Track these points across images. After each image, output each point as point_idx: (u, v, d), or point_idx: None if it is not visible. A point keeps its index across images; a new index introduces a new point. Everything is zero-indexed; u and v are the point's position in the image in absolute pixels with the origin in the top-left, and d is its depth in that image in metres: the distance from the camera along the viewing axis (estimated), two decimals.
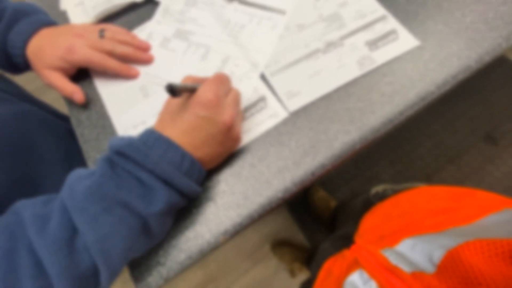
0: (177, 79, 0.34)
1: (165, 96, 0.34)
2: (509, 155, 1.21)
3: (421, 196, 0.34)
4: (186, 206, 0.29)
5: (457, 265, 0.18)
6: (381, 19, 0.35)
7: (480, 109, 1.28)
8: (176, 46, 0.37)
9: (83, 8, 0.40)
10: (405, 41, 0.34)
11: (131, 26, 0.39)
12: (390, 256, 0.24)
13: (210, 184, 0.29)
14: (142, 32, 0.38)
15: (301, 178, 0.29)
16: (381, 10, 0.36)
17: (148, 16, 0.39)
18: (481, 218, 0.24)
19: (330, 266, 0.33)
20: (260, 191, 0.28)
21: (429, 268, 0.20)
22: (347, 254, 0.31)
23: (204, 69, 0.35)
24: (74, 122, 0.34)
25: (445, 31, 0.34)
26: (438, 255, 0.19)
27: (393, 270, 0.22)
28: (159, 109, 0.33)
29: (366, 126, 0.30)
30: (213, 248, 0.28)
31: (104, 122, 0.34)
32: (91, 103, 0.35)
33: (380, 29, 0.35)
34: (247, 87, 0.33)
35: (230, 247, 1.19)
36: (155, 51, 0.37)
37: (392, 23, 0.35)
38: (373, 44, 0.34)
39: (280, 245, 1.17)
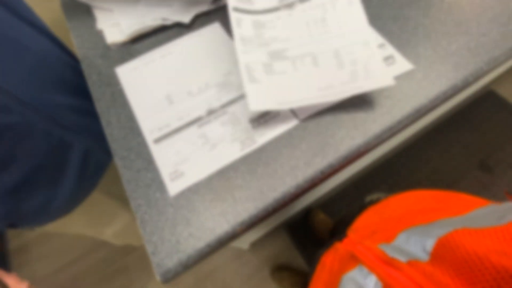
0: (312, 93, 0.33)
1: (188, 103, 0.38)
2: (505, 183, 1.24)
3: (410, 198, 0.37)
4: (204, 198, 0.31)
5: (448, 251, 0.19)
6: (380, 46, 0.41)
7: (473, 138, 1.34)
8: (281, 67, 0.35)
9: (119, 28, 0.45)
10: (401, 64, 0.39)
11: (159, 44, 0.44)
12: (386, 249, 0.25)
13: (228, 179, 0.32)
14: (240, 66, 0.35)
15: (311, 176, 0.31)
16: (380, 39, 0.41)
17: (175, 36, 0.45)
18: (468, 212, 0.26)
19: (324, 259, 0.35)
20: (274, 186, 0.31)
21: (424, 257, 0.21)
22: (339, 247, 0.33)
23: (324, 73, 0.34)
24: (104, 123, 0.37)
25: (434, 56, 0.39)
26: (430, 243, 0.21)
27: (390, 262, 0.23)
28: (184, 114, 0.37)
29: (369, 132, 0.34)
30: (231, 238, 0.30)
31: (132, 124, 0.37)
32: (120, 107, 0.39)
33: (379, 54, 0.40)
34: (376, 63, 0.34)
35: (228, 270, 1.16)
36: (267, 80, 0.34)
37: (389, 50, 0.40)
38: None
39: (279, 269, 1.15)
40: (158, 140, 0.35)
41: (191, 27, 0.46)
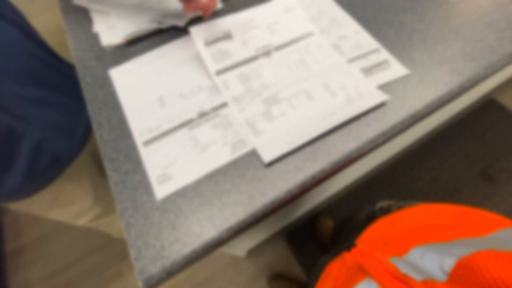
0: (318, 123, 0.34)
1: (180, 105, 0.37)
2: (508, 193, 1.22)
3: (426, 212, 0.35)
4: (192, 202, 0.30)
5: (469, 273, 0.18)
6: (375, 51, 0.40)
7: (474, 147, 1.33)
8: (279, 110, 0.36)
9: (114, 31, 0.46)
10: (396, 69, 0.38)
11: (154, 46, 0.44)
12: (399, 264, 0.23)
13: (217, 183, 0.31)
14: (242, 124, 0.35)
15: (302, 181, 0.31)
16: (375, 44, 0.41)
17: (170, 39, 0.45)
18: (492, 232, 0.24)
19: (330, 268, 0.33)
20: (264, 191, 0.30)
21: (441, 277, 0.19)
22: (347, 257, 0.31)
23: (321, 104, 0.36)
24: (95, 125, 0.37)
25: (429, 62, 0.38)
26: (449, 263, 0.19)
27: (403, 279, 0.21)
28: (175, 117, 0.37)
29: (362, 137, 0.33)
30: (217, 244, 0.29)
31: (122, 126, 0.37)
32: (112, 108, 0.38)
33: (374, 58, 0.39)
34: (365, 85, 0.36)
35: (224, 278, 1.14)
36: (270, 128, 0.34)
37: (384, 54, 0.40)
38: (368, 71, 0.38)
39: (276, 278, 1.12)
40: (148, 142, 0.35)
41: (186, 30, 0.46)
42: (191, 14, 0.46)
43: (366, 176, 1.28)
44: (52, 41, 0.58)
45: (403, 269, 0.22)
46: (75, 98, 0.49)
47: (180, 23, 0.45)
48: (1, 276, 1.10)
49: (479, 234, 0.24)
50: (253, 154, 0.33)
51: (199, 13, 0.46)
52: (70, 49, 0.46)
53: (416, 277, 0.21)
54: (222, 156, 0.33)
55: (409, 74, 0.37)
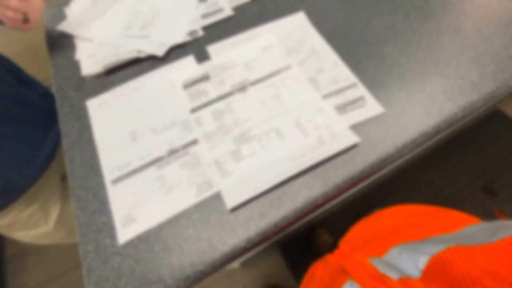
0: (286, 166, 0.33)
1: (151, 141, 0.37)
2: (510, 208, 1.18)
3: (402, 212, 0.37)
4: (152, 248, 0.30)
5: (440, 269, 0.19)
6: (352, 86, 0.39)
7: (477, 160, 1.29)
8: (249, 149, 0.35)
9: (94, 59, 0.46)
10: (371, 107, 0.37)
11: (134, 76, 0.44)
12: (377, 264, 0.24)
13: (180, 228, 0.31)
14: (210, 164, 0.35)
15: (264, 229, 0.30)
16: (352, 78, 0.40)
17: (149, 68, 0.45)
18: (460, 228, 0.26)
19: (313, 270, 0.34)
20: (224, 239, 0.30)
21: (415, 274, 0.21)
22: (330, 259, 0.32)
23: (291, 144, 0.35)
24: (67, 160, 0.38)
25: (407, 99, 0.37)
26: (423, 260, 0.21)
27: (381, 279, 0.23)
28: (145, 153, 0.37)
29: (329, 182, 0.32)
30: None
31: (94, 162, 0.37)
32: (86, 142, 0.39)
33: (350, 94, 0.39)
34: (338, 124, 0.36)
35: None
36: (238, 169, 0.34)
37: (361, 90, 0.39)
38: (342, 108, 0.37)
39: None
40: (116, 181, 0.35)
41: (165, 59, 0.46)
42: (171, 42, 0.46)
43: (364, 188, 1.26)
44: (26, 59, 0.57)
45: (382, 268, 0.23)
46: (37, 127, 0.47)
47: (159, 52, 0.45)
48: (1, 279, 1.13)
49: (449, 231, 0.26)
50: (218, 198, 0.33)
51: (180, 41, 0.46)
52: (51, 76, 0.47)
53: (393, 275, 0.22)
54: (187, 198, 0.33)
55: (384, 113, 0.36)
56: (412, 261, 0.22)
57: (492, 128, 1.35)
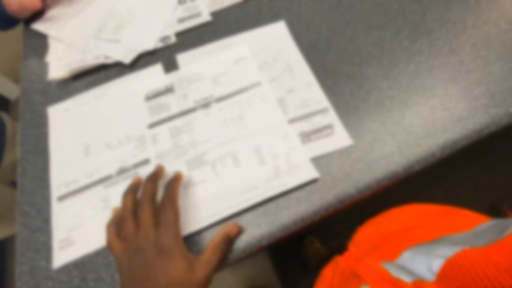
0: (236, 199, 0.31)
1: (104, 157, 0.36)
2: None
3: (410, 212, 0.36)
4: (85, 277, 0.29)
5: (456, 272, 0.19)
6: (322, 111, 0.36)
7: (486, 178, 1.21)
8: (201, 176, 0.33)
9: (61, 63, 0.44)
10: (339, 138, 0.34)
11: (100, 83, 0.42)
12: (390, 268, 0.24)
13: None
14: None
15: None
16: (324, 102, 0.36)
17: (115, 76, 0.42)
18: (471, 228, 0.25)
19: (324, 272, 0.34)
20: None
21: (429, 277, 0.20)
22: (340, 260, 0.32)
23: (246, 173, 0.32)
24: (20, 170, 0.37)
25: (380, 131, 0.33)
26: (437, 264, 0.20)
27: (395, 283, 0.23)
28: (95, 170, 0.35)
29: (277, 221, 0.29)
30: None
31: (44, 175, 0.36)
32: (41, 153, 0.38)
33: (318, 121, 0.35)
34: (298, 155, 0.33)
35: None
36: (185, 202, 0.31)
37: (331, 117, 0.35)
38: (307, 136, 0.34)
39: None
40: (62, 198, 0.34)
41: (133, 66, 0.43)
42: (141, 48, 0.44)
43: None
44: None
45: (395, 273, 0.23)
46: None
47: (126, 59, 0.43)
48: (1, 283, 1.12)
49: (461, 230, 0.26)
50: None
51: (150, 47, 0.44)
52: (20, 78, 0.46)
53: (407, 279, 0.22)
54: None
55: (352, 146, 0.33)
56: (425, 264, 0.22)
57: (505, 145, 1.26)
